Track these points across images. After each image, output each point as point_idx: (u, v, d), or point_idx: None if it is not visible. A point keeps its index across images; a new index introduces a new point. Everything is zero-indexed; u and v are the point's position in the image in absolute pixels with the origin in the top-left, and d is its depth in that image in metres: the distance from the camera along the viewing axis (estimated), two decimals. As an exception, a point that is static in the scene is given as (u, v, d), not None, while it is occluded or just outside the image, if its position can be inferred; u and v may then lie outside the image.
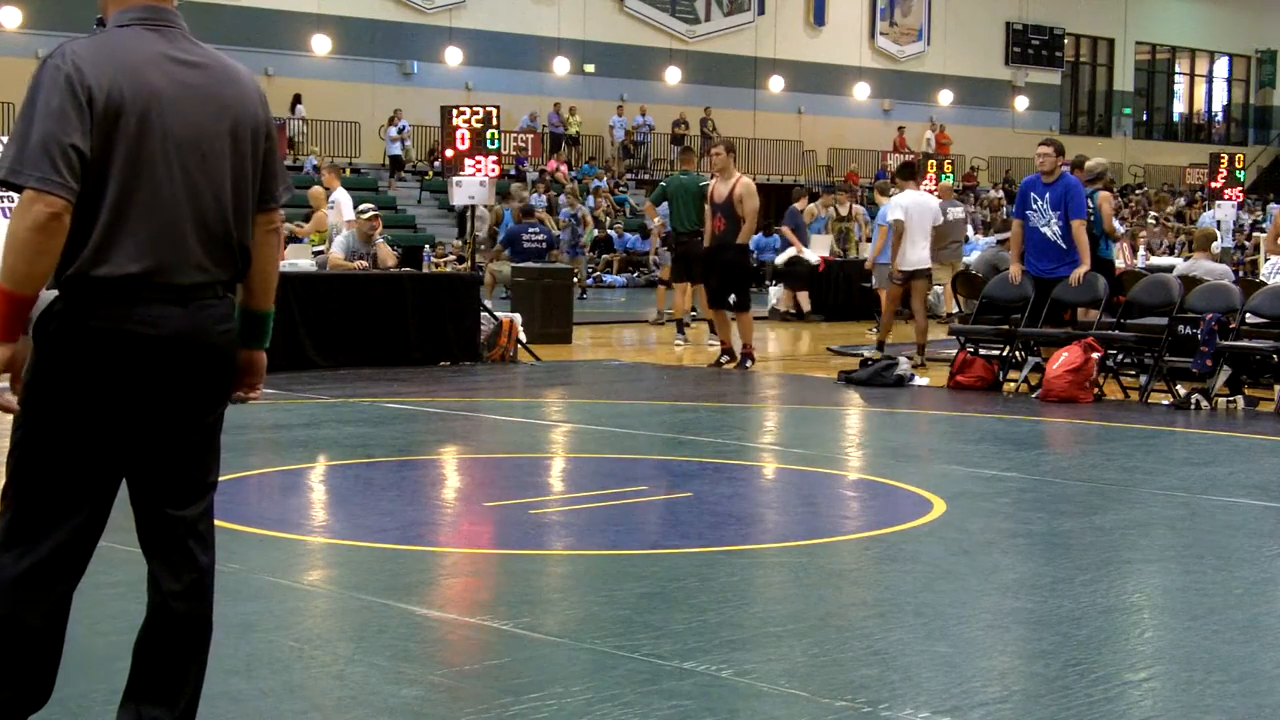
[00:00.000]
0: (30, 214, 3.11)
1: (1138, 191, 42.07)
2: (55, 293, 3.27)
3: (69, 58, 3.20)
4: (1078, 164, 13.88)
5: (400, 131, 33.52)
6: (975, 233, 24.24)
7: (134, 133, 3.24)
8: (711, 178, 14.62)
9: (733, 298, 14.08)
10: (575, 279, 20.48)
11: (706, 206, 14.46)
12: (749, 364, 14.24)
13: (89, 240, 3.21)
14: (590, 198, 33.64)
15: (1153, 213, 29.76)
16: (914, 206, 15.08)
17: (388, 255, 14.35)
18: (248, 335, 3.56)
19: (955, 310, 15.62)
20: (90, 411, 3.27)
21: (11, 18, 29.91)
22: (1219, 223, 23.02)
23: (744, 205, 13.95)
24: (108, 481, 3.36)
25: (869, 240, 21.13)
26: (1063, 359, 11.89)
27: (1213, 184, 24.64)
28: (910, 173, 16.40)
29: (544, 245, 20.13)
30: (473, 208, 17.41)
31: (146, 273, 3.25)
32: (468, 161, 15.63)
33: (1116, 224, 15.22)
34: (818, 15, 42.42)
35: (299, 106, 33.69)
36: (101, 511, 3.37)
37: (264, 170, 3.49)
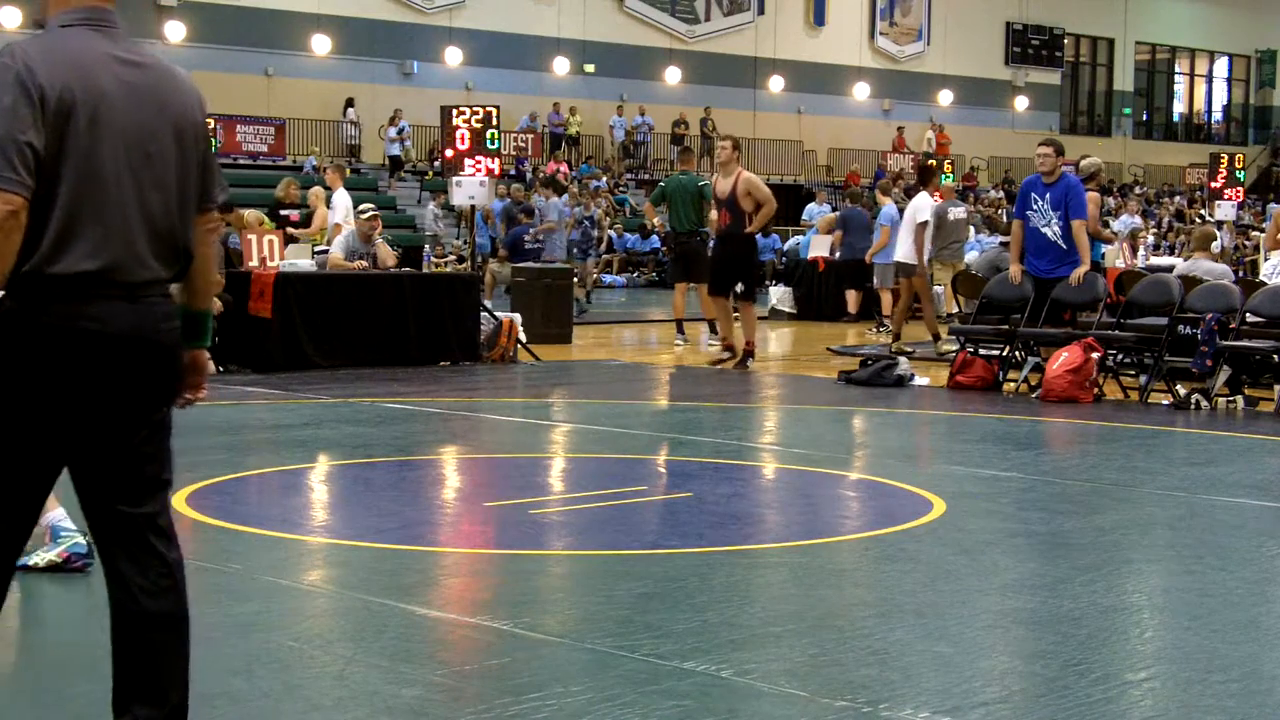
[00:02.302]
0: None
1: (1137, 191, 42.10)
2: None
3: (19, 57, 3.24)
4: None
5: (400, 132, 33.52)
6: (976, 233, 24.27)
7: (84, 131, 3.27)
8: (713, 175, 14.70)
9: (740, 286, 14.15)
10: (577, 279, 20.44)
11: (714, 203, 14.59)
12: (749, 362, 14.25)
13: (43, 238, 3.24)
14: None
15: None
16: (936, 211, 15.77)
17: (388, 255, 14.35)
18: (189, 334, 3.59)
19: (955, 310, 15.65)
20: (39, 407, 3.30)
21: (11, 18, 29.91)
22: (1220, 224, 23.05)
23: (756, 195, 14.02)
24: (48, 476, 3.41)
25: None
26: (1063, 359, 11.88)
27: (1213, 184, 24.66)
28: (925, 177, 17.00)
29: (544, 246, 20.13)
30: (472, 208, 17.41)
31: (99, 270, 3.29)
32: (468, 161, 15.63)
33: (1117, 225, 15.36)
34: (818, 15, 42.42)
35: (350, 110, 33.71)
36: (37, 504, 3.41)
37: (202, 171, 3.53)
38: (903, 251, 16.20)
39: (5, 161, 3.15)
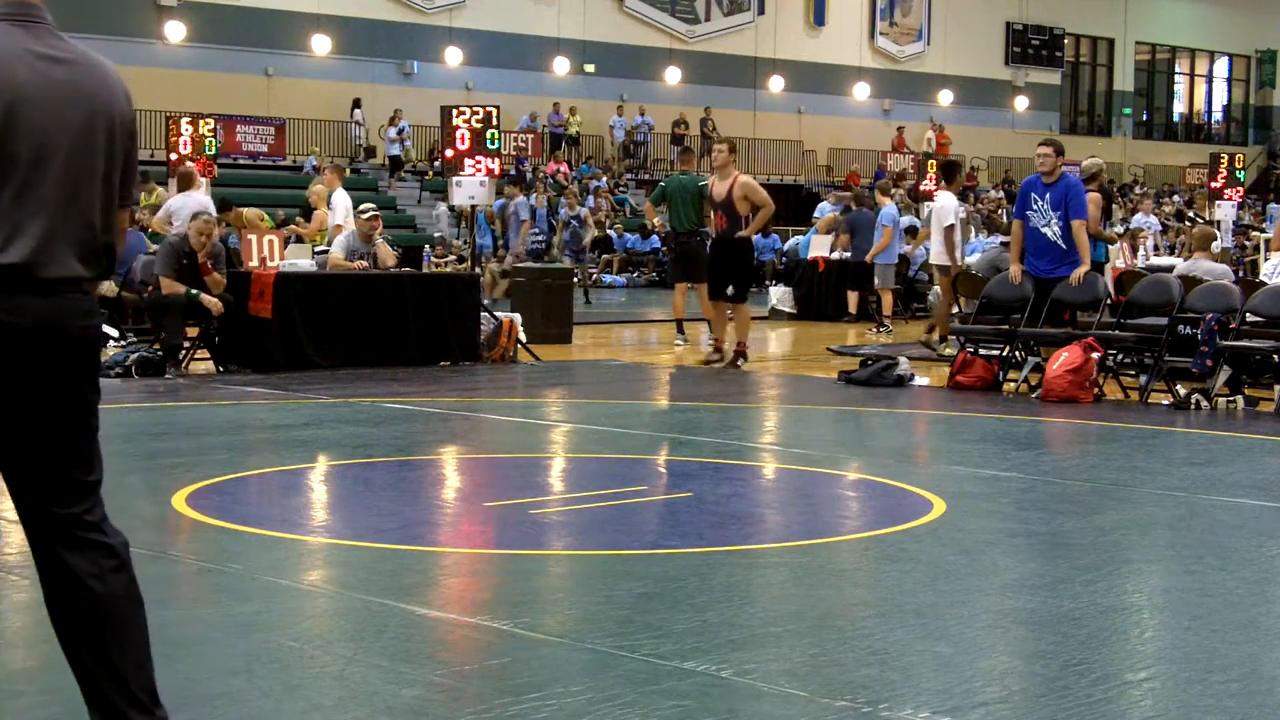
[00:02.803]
0: None
1: (1137, 191, 42.09)
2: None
3: None
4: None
5: (400, 132, 33.52)
6: (976, 233, 24.29)
7: (1, 130, 3.25)
8: (710, 177, 14.71)
9: (730, 288, 14.16)
10: (576, 280, 20.47)
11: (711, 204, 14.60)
12: (741, 362, 14.25)
13: None
14: (590, 198, 33.64)
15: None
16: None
17: (388, 255, 14.34)
18: None
19: (955, 310, 15.65)
20: None
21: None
22: (1219, 223, 23.05)
23: (753, 198, 14.04)
24: None
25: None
26: (1063, 359, 11.88)
27: (1213, 184, 24.66)
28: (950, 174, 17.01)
29: (544, 246, 20.15)
30: (472, 209, 17.41)
31: (13, 265, 3.27)
32: (468, 161, 15.64)
33: (1134, 223, 15.41)
34: (818, 15, 42.44)
35: (357, 111, 33.71)
36: None
37: (126, 166, 3.51)
38: (935, 253, 16.20)
39: None
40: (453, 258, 25.53)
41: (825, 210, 23.77)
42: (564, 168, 35.50)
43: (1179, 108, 54.02)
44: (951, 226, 15.83)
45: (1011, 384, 12.69)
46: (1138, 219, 25.63)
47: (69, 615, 3.45)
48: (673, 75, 39.57)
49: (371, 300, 13.65)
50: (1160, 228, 24.04)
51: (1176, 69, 53.36)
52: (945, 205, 16.12)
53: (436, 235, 28.02)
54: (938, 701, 4.28)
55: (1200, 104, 54.53)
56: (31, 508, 3.43)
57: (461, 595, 5.70)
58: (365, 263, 14.07)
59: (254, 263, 13.56)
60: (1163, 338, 12.06)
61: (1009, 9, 46.58)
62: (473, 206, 17.12)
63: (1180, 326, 12.11)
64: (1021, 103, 46.93)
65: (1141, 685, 4.58)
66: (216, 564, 5.85)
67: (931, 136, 43.09)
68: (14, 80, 3.27)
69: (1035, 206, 12.52)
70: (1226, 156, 24.60)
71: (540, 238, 22.97)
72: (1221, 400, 11.65)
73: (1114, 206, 22.61)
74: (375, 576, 5.82)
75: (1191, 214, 26.01)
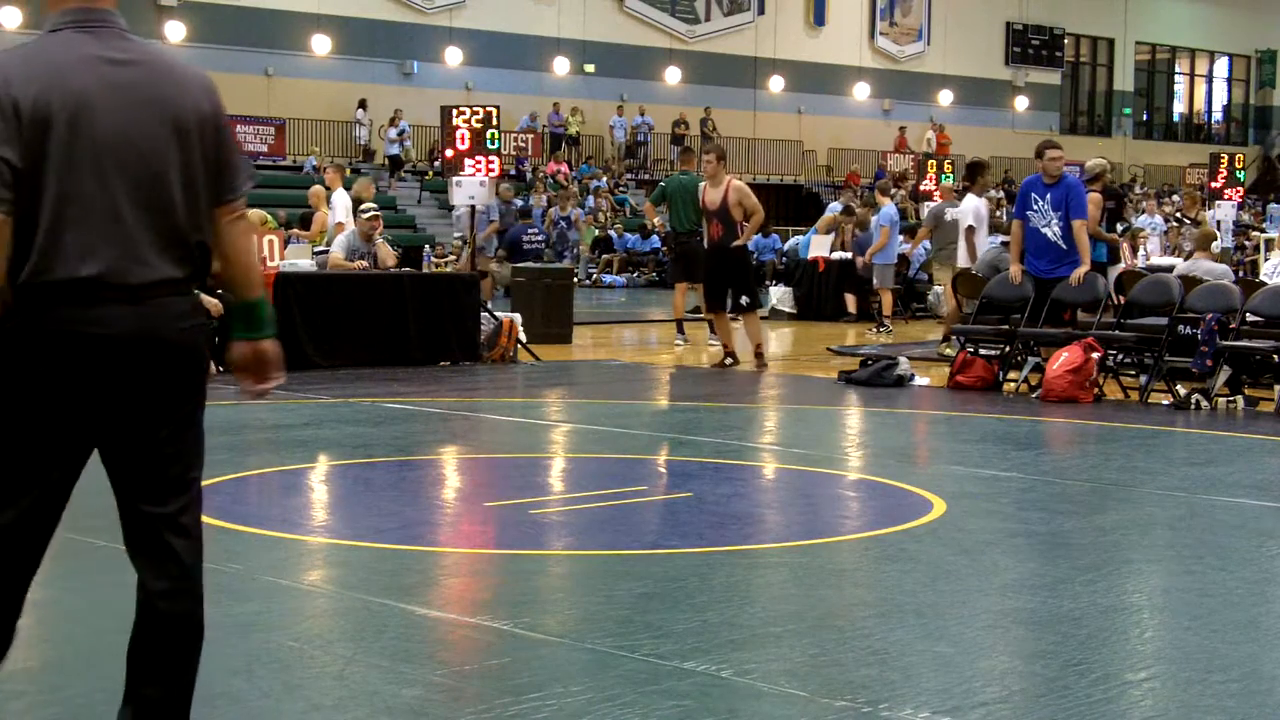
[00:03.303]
0: None
1: (1137, 191, 42.08)
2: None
3: None
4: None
5: (400, 132, 33.52)
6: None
7: (65, 138, 3.23)
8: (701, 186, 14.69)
9: (745, 299, 14.17)
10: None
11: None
12: (758, 364, 14.19)
13: (33, 247, 3.22)
14: (590, 198, 33.65)
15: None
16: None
17: (388, 255, 14.35)
18: (244, 326, 3.60)
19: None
20: (48, 412, 3.28)
21: (11, 18, 29.94)
22: (1219, 223, 23.03)
23: (746, 204, 14.02)
24: (65, 481, 3.36)
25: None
26: (1063, 359, 11.88)
27: (1213, 184, 24.65)
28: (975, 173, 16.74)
29: (543, 246, 20.17)
30: (473, 208, 17.40)
31: (96, 275, 3.26)
32: (468, 161, 15.63)
33: (1140, 223, 15.37)
34: (818, 15, 42.43)
35: (361, 112, 33.70)
36: (56, 508, 3.38)
37: (217, 162, 3.48)
38: (962, 258, 15.79)
39: None
40: (452, 257, 25.52)
41: (836, 209, 23.75)
42: (564, 168, 35.49)
43: (1179, 108, 54.02)
44: (972, 229, 15.64)
45: (1011, 384, 12.69)
46: (1143, 219, 25.59)
47: (135, 625, 3.45)
48: (673, 75, 39.57)
49: (371, 300, 13.65)
50: (1165, 228, 23.98)
51: (1176, 69, 53.36)
52: (966, 208, 15.97)
53: (456, 236, 28.01)
54: (938, 701, 4.28)
55: (1200, 104, 54.53)
56: (126, 508, 3.43)
57: (461, 595, 5.70)
58: (365, 263, 14.07)
59: (254, 262, 13.55)
60: (1163, 338, 12.06)
61: (1009, 9, 46.57)
62: (472, 208, 17.12)
63: (1180, 326, 12.11)
64: (1021, 103, 46.93)
65: (1141, 685, 4.58)
66: (216, 564, 5.83)
67: (931, 137, 43.08)
68: (75, 88, 3.25)
69: (1036, 207, 12.53)
70: (1226, 156, 24.59)
71: (539, 238, 22.96)
72: (1221, 400, 11.64)
73: (1124, 203, 22.51)
74: (375, 576, 5.82)
75: (1178, 215, 25.98)
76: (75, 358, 3.26)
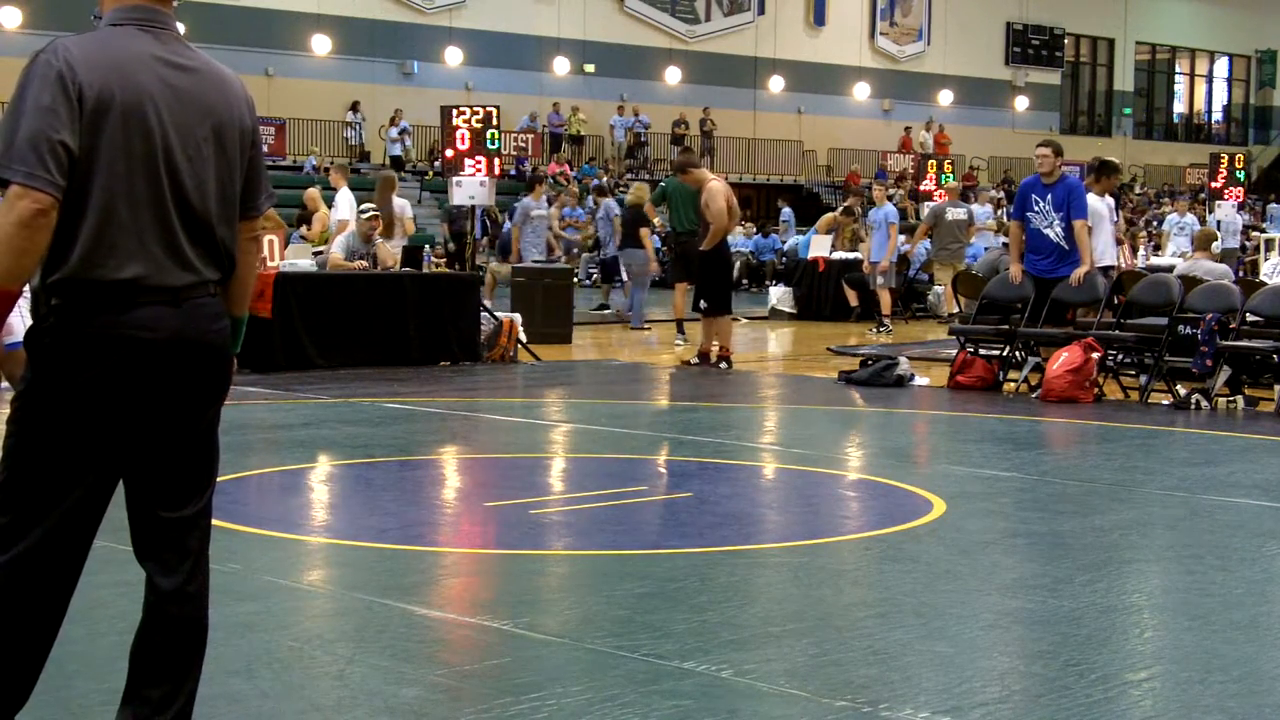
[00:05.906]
0: (16, 210, 3.07)
1: (1136, 192, 42.06)
2: None
3: (61, 54, 3.17)
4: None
5: (401, 132, 33.52)
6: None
7: (121, 133, 3.21)
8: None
9: (703, 303, 14.19)
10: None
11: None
12: (723, 365, 14.17)
13: (77, 241, 3.18)
14: (590, 198, 33.59)
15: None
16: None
17: (387, 255, 14.34)
18: None
19: (955, 310, 15.65)
20: (88, 417, 3.23)
21: (11, 18, 29.92)
22: (1219, 223, 23.03)
23: (710, 208, 14.01)
24: (103, 487, 3.32)
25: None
26: (1063, 359, 11.88)
27: (1213, 184, 24.65)
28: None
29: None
30: (474, 208, 17.41)
31: (140, 275, 3.23)
32: (468, 161, 15.63)
33: (1167, 224, 15.26)
34: (818, 15, 42.43)
35: (350, 113, 33.70)
36: (95, 516, 3.33)
37: (248, 177, 3.48)
38: (1100, 253, 15.71)
39: (37, 159, 3.08)
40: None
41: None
42: (565, 168, 35.47)
43: (1179, 108, 54.01)
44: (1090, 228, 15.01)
45: (1011, 384, 12.69)
46: (1172, 219, 25.40)
47: (140, 626, 3.44)
48: (673, 75, 39.57)
49: (371, 300, 13.64)
50: (1198, 226, 23.81)
51: (1176, 69, 53.36)
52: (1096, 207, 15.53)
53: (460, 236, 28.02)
54: (938, 701, 4.28)
55: (1200, 104, 54.52)
56: (141, 512, 3.40)
57: (461, 595, 5.70)
58: (365, 263, 14.07)
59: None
60: (1163, 338, 12.06)
61: (1009, 9, 46.57)
62: (472, 208, 17.12)
63: (1180, 326, 12.11)
64: (1021, 103, 46.92)
65: (1141, 685, 4.58)
66: (216, 564, 5.81)
67: (931, 137, 43.07)
68: (139, 86, 3.24)
69: (1036, 207, 12.52)
70: (1226, 157, 24.59)
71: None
72: (1221, 400, 11.65)
73: (1122, 203, 22.41)
74: (375, 576, 5.82)
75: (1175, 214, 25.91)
76: (119, 362, 3.22)
